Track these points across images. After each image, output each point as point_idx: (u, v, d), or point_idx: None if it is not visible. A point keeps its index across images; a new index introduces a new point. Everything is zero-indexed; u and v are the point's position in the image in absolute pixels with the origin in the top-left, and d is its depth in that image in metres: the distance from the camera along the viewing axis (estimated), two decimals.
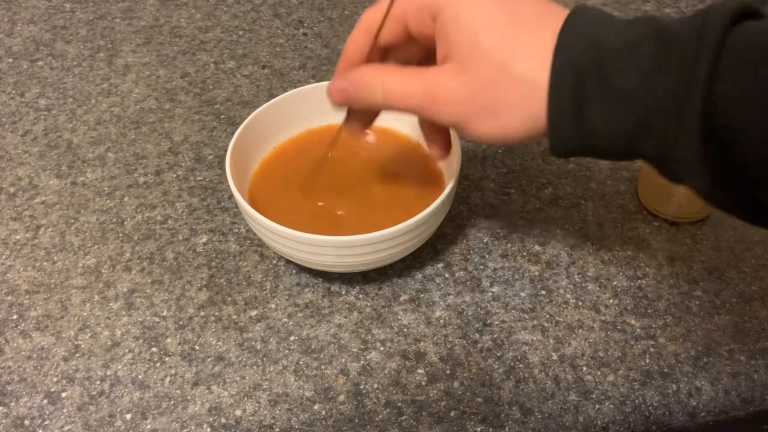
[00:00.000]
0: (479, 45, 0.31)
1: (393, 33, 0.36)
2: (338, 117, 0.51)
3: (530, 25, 0.31)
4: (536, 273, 0.45)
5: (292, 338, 0.42)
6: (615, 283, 0.45)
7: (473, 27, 0.31)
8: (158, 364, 0.41)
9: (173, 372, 0.40)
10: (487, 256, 0.47)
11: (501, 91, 0.31)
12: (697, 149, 0.27)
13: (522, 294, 0.44)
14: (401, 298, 0.44)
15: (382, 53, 0.37)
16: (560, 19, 0.30)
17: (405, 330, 0.42)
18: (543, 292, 0.44)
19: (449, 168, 0.45)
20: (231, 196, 0.51)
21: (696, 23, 0.27)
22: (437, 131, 0.41)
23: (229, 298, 0.44)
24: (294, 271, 0.46)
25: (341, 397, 0.39)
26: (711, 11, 0.27)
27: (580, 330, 0.42)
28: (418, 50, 0.37)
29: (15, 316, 0.44)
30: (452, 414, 0.38)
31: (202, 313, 0.43)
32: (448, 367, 0.40)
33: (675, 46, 0.27)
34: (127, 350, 0.42)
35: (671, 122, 0.27)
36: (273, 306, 0.44)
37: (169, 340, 0.42)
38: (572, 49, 0.29)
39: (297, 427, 0.38)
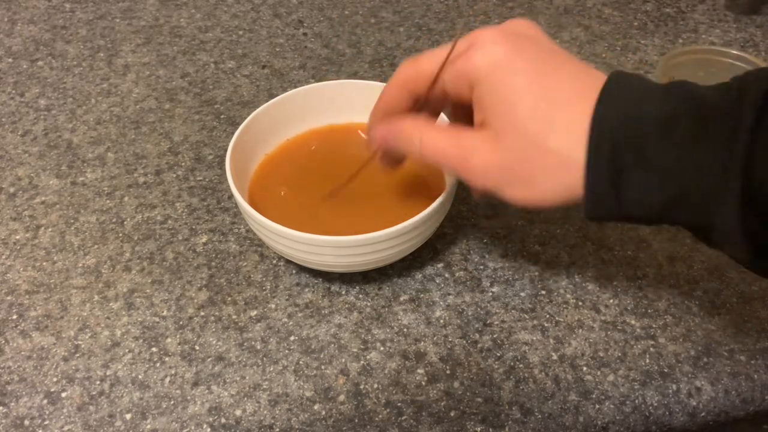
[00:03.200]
0: (516, 117, 0.32)
1: (426, 90, 0.36)
2: (338, 117, 0.51)
3: (566, 99, 0.31)
4: (536, 273, 0.45)
5: (292, 338, 0.42)
6: (615, 283, 0.45)
7: (510, 99, 0.32)
8: (158, 364, 0.41)
9: (173, 372, 0.40)
10: (487, 256, 0.47)
11: (536, 163, 0.32)
12: (737, 221, 0.27)
13: (522, 294, 0.44)
14: (401, 298, 0.44)
15: (415, 101, 0.38)
16: (596, 90, 0.30)
17: (405, 330, 0.42)
18: (543, 292, 0.44)
19: None
20: (231, 196, 0.51)
21: (732, 94, 0.27)
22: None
23: (229, 298, 0.44)
24: (294, 271, 0.46)
25: (341, 397, 0.39)
26: (746, 81, 0.28)
27: (580, 330, 0.42)
28: (450, 103, 0.39)
29: (15, 316, 0.44)
30: (452, 414, 0.38)
31: (202, 313, 0.43)
32: (448, 367, 0.40)
33: (712, 121, 0.27)
34: (127, 350, 0.42)
35: (710, 195, 0.28)
36: (273, 306, 0.44)
37: (169, 340, 0.42)
38: (609, 122, 0.30)
39: (297, 427, 0.38)
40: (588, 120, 0.30)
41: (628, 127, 0.29)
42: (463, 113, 0.37)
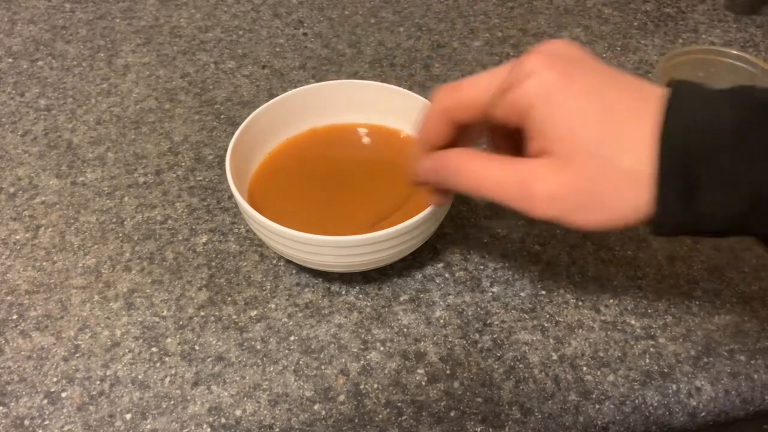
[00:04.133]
0: (581, 141, 0.31)
1: (471, 118, 0.35)
2: (338, 117, 0.51)
3: (627, 114, 0.30)
4: (536, 273, 0.45)
5: (292, 338, 0.42)
6: (615, 283, 0.45)
7: (569, 124, 0.31)
8: (158, 364, 0.41)
9: (173, 372, 0.40)
10: (487, 256, 0.47)
11: (608, 185, 0.31)
12: None
13: (522, 294, 0.44)
14: (401, 298, 0.44)
15: (459, 130, 0.37)
16: (655, 102, 0.30)
17: (405, 330, 0.42)
18: (543, 292, 0.44)
19: None
20: (231, 196, 0.51)
21: None
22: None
23: (229, 298, 0.44)
24: (294, 271, 0.46)
25: (341, 397, 0.39)
26: None
27: (580, 330, 0.42)
28: (488, 133, 0.38)
29: (15, 316, 0.44)
30: (452, 414, 0.38)
31: (202, 313, 0.43)
32: (448, 367, 0.40)
33: None
34: (127, 350, 0.42)
35: None
36: (273, 306, 0.44)
37: (169, 340, 0.42)
38: (676, 134, 0.29)
39: (297, 427, 0.38)
40: (652, 132, 0.29)
41: (697, 138, 0.28)
42: (503, 142, 0.37)
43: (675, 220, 0.30)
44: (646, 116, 0.30)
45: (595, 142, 0.31)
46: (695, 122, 0.29)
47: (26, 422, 0.38)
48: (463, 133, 0.37)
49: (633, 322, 0.42)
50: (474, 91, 0.34)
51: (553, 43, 0.34)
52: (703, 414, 0.39)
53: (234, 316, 0.43)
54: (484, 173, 0.34)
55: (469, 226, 0.49)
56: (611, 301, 0.44)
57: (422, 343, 0.42)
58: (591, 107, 0.31)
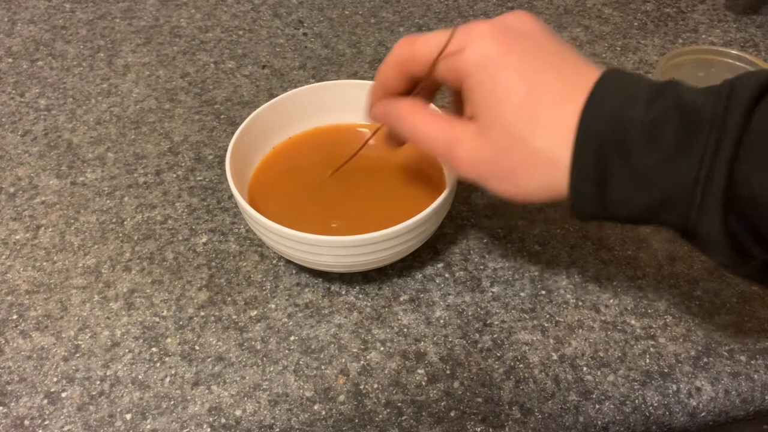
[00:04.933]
0: (501, 114, 0.32)
1: (421, 73, 0.36)
2: (338, 117, 0.51)
3: (553, 98, 0.31)
4: (536, 273, 0.45)
5: (292, 338, 0.42)
6: (615, 283, 0.45)
7: (497, 95, 0.32)
8: (158, 364, 0.41)
9: (173, 372, 0.40)
10: (487, 256, 0.47)
11: (518, 160, 0.32)
12: (719, 227, 0.28)
13: (522, 294, 0.44)
14: (401, 298, 0.44)
15: (412, 83, 0.38)
16: (585, 90, 0.30)
17: (405, 330, 0.42)
18: (543, 292, 0.44)
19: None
20: (231, 196, 0.51)
21: (721, 100, 0.27)
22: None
23: (229, 298, 0.44)
24: (294, 271, 0.46)
25: (341, 398, 0.39)
26: (735, 87, 0.27)
27: (580, 330, 0.42)
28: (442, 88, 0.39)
29: (15, 316, 0.44)
30: (452, 414, 0.38)
31: (202, 313, 0.43)
32: (448, 367, 0.40)
33: (698, 127, 0.28)
34: (127, 350, 0.42)
35: (693, 200, 0.28)
36: (273, 306, 0.44)
37: (169, 340, 0.42)
38: (595, 125, 0.30)
39: (297, 427, 0.38)
40: (574, 121, 0.30)
41: (613, 129, 0.29)
42: (460, 102, 0.38)
43: (589, 205, 0.31)
44: (572, 101, 0.31)
45: (513, 118, 0.32)
46: (613, 114, 0.29)
47: (26, 422, 0.38)
48: (421, 86, 0.38)
49: (633, 322, 0.42)
50: (425, 48, 0.35)
51: (512, 14, 0.35)
52: (703, 414, 0.39)
53: (234, 316, 0.43)
54: (422, 127, 0.36)
55: (469, 226, 0.49)
56: (611, 301, 0.44)
57: (422, 343, 0.42)
58: (519, 85, 0.32)
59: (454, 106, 0.40)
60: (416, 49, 0.36)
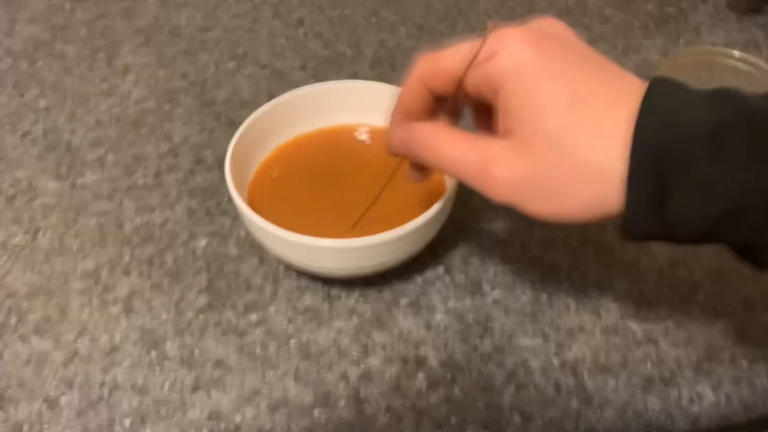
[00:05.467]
0: (545, 125, 0.29)
1: (447, 89, 0.34)
2: (339, 117, 0.51)
3: (599, 107, 0.29)
4: (537, 277, 0.45)
5: (291, 343, 0.42)
6: (616, 287, 0.45)
7: (539, 105, 0.30)
8: (157, 369, 0.41)
9: (172, 377, 0.40)
10: (487, 259, 0.46)
11: (566, 175, 0.29)
12: None
13: (523, 298, 0.44)
14: (401, 302, 0.44)
15: (436, 101, 0.36)
16: (634, 98, 0.28)
17: (405, 334, 0.42)
18: (544, 297, 0.44)
19: None
20: (231, 199, 0.51)
21: None
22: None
23: (229, 302, 0.44)
24: (294, 275, 0.46)
25: (341, 403, 0.39)
26: None
27: (581, 335, 0.42)
28: (471, 105, 0.37)
29: (14, 321, 0.43)
30: (453, 420, 0.38)
31: (202, 317, 0.43)
32: (448, 373, 0.40)
33: (766, 134, 0.26)
34: (126, 355, 0.41)
35: (764, 214, 0.26)
36: (273, 310, 0.44)
37: (168, 344, 0.42)
38: (652, 135, 0.27)
39: None
40: (625, 128, 0.28)
41: (674, 139, 0.27)
42: (486, 119, 0.35)
43: (646, 222, 0.29)
44: (619, 109, 0.29)
45: (559, 128, 0.29)
46: (671, 124, 0.27)
47: (25, 427, 0.38)
48: (443, 107, 0.36)
49: (634, 326, 0.42)
50: (452, 60, 0.33)
51: (542, 20, 0.33)
52: (704, 420, 0.39)
53: (233, 321, 0.43)
54: (448, 150, 0.33)
55: (469, 230, 0.48)
56: (612, 305, 0.44)
57: (422, 347, 0.41)
58: (562, 91, 0.29)
59: (478, 126, 0.38)
60: (442, 62, 0.33)
